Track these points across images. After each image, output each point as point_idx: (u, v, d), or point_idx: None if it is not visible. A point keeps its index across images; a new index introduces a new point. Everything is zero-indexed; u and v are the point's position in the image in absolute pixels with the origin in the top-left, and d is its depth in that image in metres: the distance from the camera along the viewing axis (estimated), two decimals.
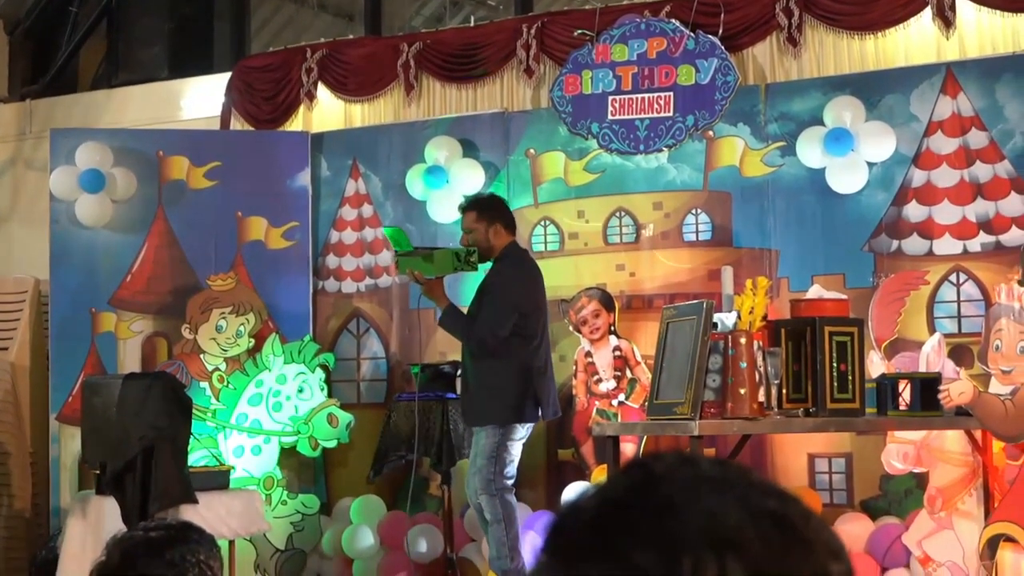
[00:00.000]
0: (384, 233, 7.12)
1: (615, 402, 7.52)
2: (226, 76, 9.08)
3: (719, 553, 0.93)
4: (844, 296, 6.29)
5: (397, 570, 7.56)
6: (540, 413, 6.55)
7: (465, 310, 6.72)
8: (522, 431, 6.51)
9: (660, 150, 7.61)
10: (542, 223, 7.88)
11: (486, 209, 6.71)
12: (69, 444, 7.98)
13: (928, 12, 7.23)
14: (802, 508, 0.99)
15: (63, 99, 10.22)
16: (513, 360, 6.45)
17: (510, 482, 6.50)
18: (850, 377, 5.50)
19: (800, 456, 7.22)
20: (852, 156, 7.13)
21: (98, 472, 6.77)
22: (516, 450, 6.51)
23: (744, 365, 5.31)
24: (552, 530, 1.01)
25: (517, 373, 6.45)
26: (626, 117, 7.66)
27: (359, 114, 8.70)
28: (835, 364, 5.47)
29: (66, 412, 8.00)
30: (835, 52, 7.52)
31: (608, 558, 0.96)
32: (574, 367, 7.61)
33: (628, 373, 7.51)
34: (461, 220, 6.77)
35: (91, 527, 6.66)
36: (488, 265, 6.68)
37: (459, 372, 6.95)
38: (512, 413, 6.44)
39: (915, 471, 6.71)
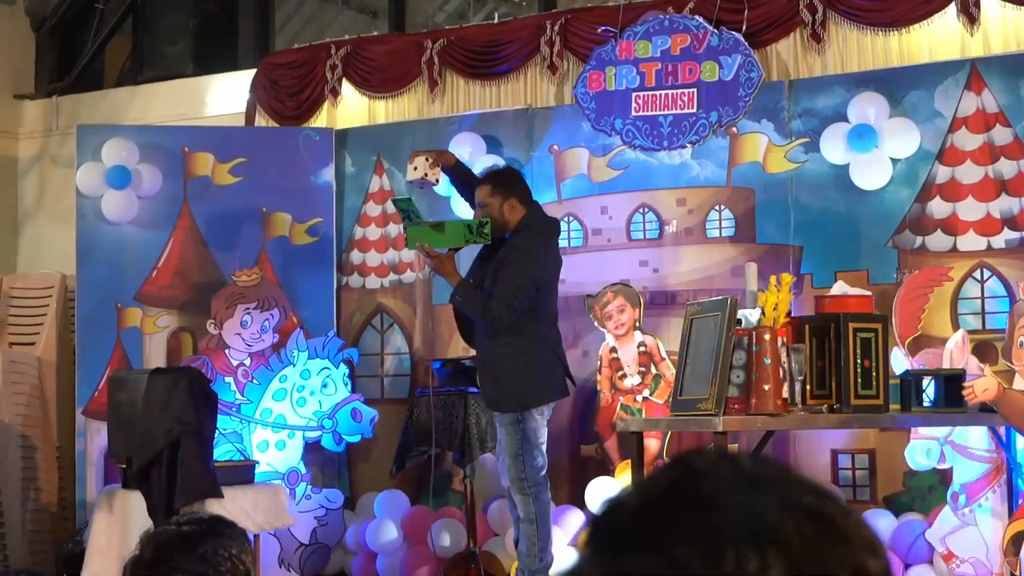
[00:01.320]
0: (394, 204, 6.81)
1: (639, 398, 7.53)
2: (251, 73, 9.13)
3: (760, 547, 0.95)
4: (868, 292, 6.30)
5: (421, 564, 7.59)
6: (561, 390, 6.42)
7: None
8: (545, 413, 6.37)
9: (683, 146, 7.62)
10: (566, 219, 7.88)
11: (501, 182, 6.52)
12: (95, 438, 8.04)
13: (952, 8, 7.22)
14: (841, 505, 1.01)
15: (89, 96, 10.28)
16: (527, 338, 6.30)
17: (543, 473, 6.33)
18: (874, 373, 5.50)
19: (823, 452, 7.22)
20: (876, 152, 7.13)
21: (124, 466, 6.81)
22: (542, 435, 6.34)
23: (768, 361, 5.32)
24: (594, 525, 1.03)
25: (533, 352, 6.31)
26: (649, 113, 7.67)
27: (383, 110, 8.73)
28: (859, 360, 5.48)
29: (92, 406, 8.06)
30: (859, 48, 7.52)
31: (651, 551, 0.97)
32: (599, 362, 7.63)
33: (653, 369, 7.52)
34: (476, 194, 6.54)
35: (117, 521, 6.71)
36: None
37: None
38: (530, 396, 6.28)
39: (939, 467, 6.71)
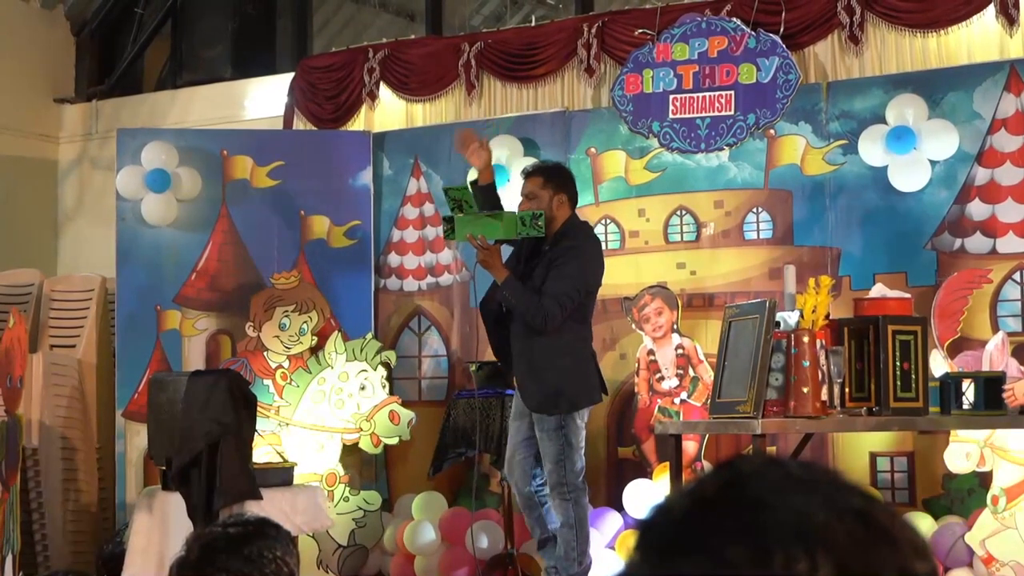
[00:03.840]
0: (446, 193, 6.43)
1: (677, 400, 7.52)
2: (289, 76, 9.17)
3: (809, 549, 0.96)
4: (907, 295, 6.27)
5: (458, 565, 7.61)
6: (600, 393, 6.37)
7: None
8: (585, 416, 6.31)
9: (721, 149, 7.61)
10: (603, 222, 7.90)
11: (553, 177, 6.37)
12: (135, 440, 8.09)
13: (991, 9, 7.19)
14: (887, 508, 1.02)
15: (129, 99, 10.36)
16: (572, 340, 6.23)
17: (581, 478, 6.28)
18: (913, 376, 5.48)
19: (862, 455, 7.20)
20: (914, 154, 7.11)
21: (164, 468, 6.85)
22: (582, 438, 6.28)
23: (807, 364, 5.31)
24: (643, 528, 1.04)
25: (577, 354, 6.25)
26: (687, 116, 7.67)
27: (420, 113, 8.75)
28: (898, 363, 5.46)
29: (132, 408, 8.11)
30: (897, 50, 7.50)
31: (700, 554, 0.98)
32: (636, 365, 7.63)
33: (691, 371, 7.51)
34: (524, 184, 6.41)
35: (157, 522, 6.75)
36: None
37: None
38: (577, 399, 6.21)
39: (978, 470, 6.68)
